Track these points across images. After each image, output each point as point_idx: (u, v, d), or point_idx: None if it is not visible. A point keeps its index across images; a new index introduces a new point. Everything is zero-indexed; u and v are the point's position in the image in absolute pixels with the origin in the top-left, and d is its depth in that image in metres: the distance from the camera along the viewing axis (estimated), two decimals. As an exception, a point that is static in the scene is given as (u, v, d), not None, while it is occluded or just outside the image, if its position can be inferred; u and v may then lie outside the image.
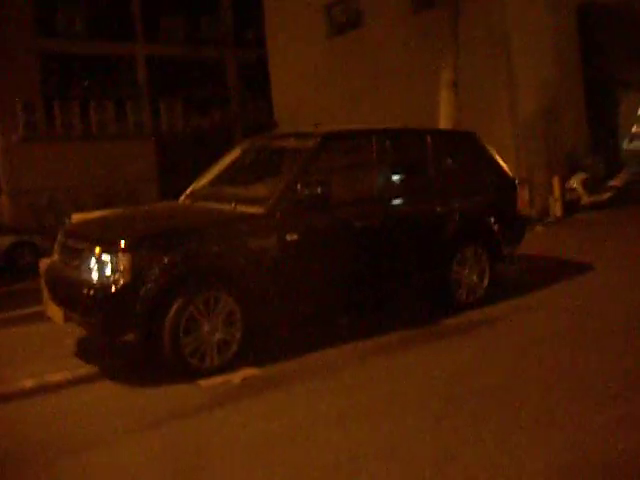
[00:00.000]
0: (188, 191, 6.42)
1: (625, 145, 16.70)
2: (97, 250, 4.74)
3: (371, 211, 5.81)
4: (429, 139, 6.49)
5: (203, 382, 4.76)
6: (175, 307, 4.70)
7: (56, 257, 5.58)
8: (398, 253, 6.01)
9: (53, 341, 5.88)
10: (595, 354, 4.96)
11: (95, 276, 4.72)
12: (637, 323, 5.72)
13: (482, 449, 3.48)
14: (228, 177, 6.36)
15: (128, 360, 5.26)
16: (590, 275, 7.73)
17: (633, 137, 16.75)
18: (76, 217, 6.71)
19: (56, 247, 5.61)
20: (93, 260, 4.76)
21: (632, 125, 17.24)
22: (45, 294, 5.65)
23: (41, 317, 6.90)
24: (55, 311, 5.18)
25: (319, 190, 5.29)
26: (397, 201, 6.04)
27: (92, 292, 4.68)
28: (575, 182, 14.66)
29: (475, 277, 6.60)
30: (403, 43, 16.11)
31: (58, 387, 4.85)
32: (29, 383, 4.82)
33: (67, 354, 5.44)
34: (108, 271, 4.66)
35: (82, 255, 4.88)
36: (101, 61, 21.49)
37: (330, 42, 18.82)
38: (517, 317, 6.21)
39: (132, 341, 4.74)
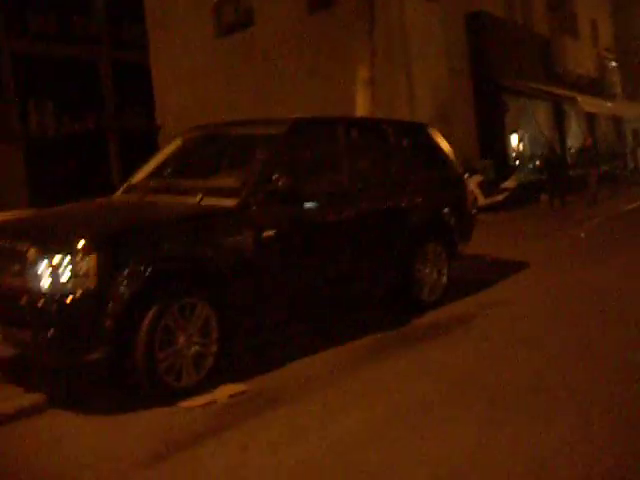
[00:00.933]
0: (125, 186, 5.58)
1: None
2: (49, 252, 3.85)
3: (343, 204, 5.33)
4: (390, 130, 6.13)
5: (184, 403, 4.02)
6: (149, 317, 3.93)
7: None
8: (369, 249, 5.58)
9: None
10: (587, 330, 5.02)
11: (46, 283, 3.83)
12: (598, 303, 6.06)
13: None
14: (176, 169, 5.60)
15: (80, 383, 4.35)
16: (521, 270, 7.84)
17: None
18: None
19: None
20: (43, 264, 3.86)
21: (517, 130, 18.12)
22: None
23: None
24: None
25: (294, 181, 4.73)
26: (366, 194, 5.61)
27: (45, 303, 3.78)
28: (472, 184, 15.05)
29: (435, 275, 6.32)
30: (297, 44, 15.81)
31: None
32: (-41, 421, 3.82)
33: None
34: (65, 277, 3.79)
35: (25, 259, 3.95)
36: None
37: (219, 42, 18.09)
38: (489, 313, 5.99)
39: (97, 361, 3.87)
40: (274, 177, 4.65)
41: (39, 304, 3.81)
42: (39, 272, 3.86)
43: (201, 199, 4.60)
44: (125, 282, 3.85)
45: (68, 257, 3.79)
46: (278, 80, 16.17)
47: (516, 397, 3.89)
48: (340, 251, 5.29)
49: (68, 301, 3.76)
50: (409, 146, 6.28)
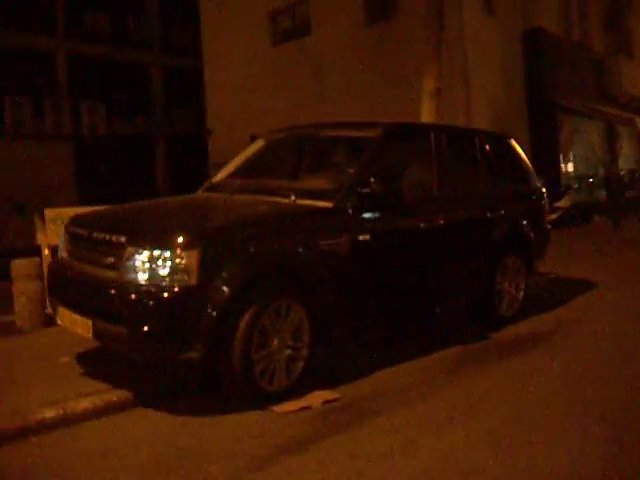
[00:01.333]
0: (206, 185, 5.51)
1: None
2: (149, 246, 3.76)
3: (433, 212, 5.17)
4: (477, 140, 5.98)
5: (277, 408, 3.89)
6: (247, 317, 3.81)
7: (65, 255, 4.51)
8: (458, 260, 5.42)
9: (47, 358, 4.76)
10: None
11: (144, 278, 3.74)
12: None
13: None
14: (260, 170, 5.51)
15: (167, 383, 4.25)
16: (591, 289, 7.66)
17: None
18: (54, 212, 5.67)
19: (65, 242, 4.54)
20: (141, 258, 3.77)
21: (570, 149, 17.77)
22: (53, 300, 4.52)
23: (10, 328, 5.76)
24: (78, 322, 4.07)
25: (392, 186, 4.61)
26: (454, 203, 5.46)
27: (143, 298, 3.69)
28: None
29: (513, 290, 6.13)
30: (353, 54, 15.76)
31: (86, 417, 3.79)
32: (49, 413, 3.72)
33: (79, 375, 4.36)
34: (165, 272, 3.69)
35: (122, 252, 3.87)
36: (18, 54, 19.54)
37: (273, 50, 18.16)
38: (569, 330, 5.78)
39: (192, 360, 3.75)
40: (371, 180, 4.52)
41: (136, 299, 3.71)
42: (137, 266, 3.77)
43: (295, 200, 4.49)
44: (225, 280, 3.73)
45: (169, 252, 3.69)
46: (333, 90, 16.14)
47: (624, 413, 3.70)
48: (429, 260, 5.14)
49: (167, 296, 3.65)
50: (494, 157, 6.11)
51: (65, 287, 4.35)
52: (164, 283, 3.68)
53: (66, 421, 3.73)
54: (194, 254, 3.68)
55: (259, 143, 5.84)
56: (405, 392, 4.20)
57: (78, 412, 3.80)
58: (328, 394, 4.11)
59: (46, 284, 4.81)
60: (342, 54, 15.98)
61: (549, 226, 6.92)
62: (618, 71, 19.43)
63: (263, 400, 3.94)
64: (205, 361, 3.75)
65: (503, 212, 5.97)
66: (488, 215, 5.79)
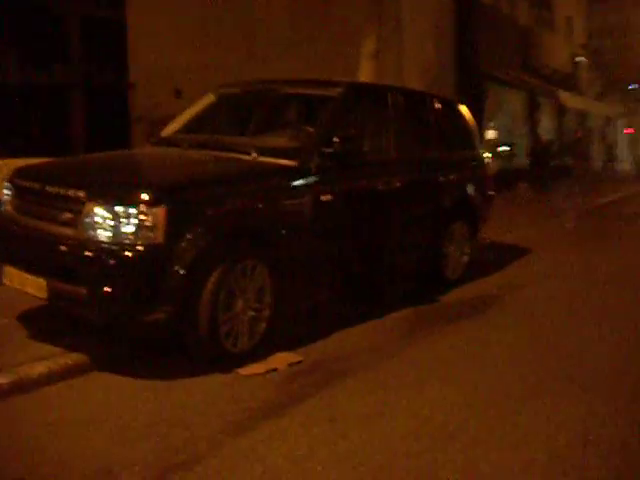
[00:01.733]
0: (155, 139, 5.24)
1: None
2: (111, 202, 3.54)
3: (390, 174, 5.15)
4: (431, 103, 5.98)
5: (242, 371, 3.81)
6: (214, 277, 3.68)
7: (10, 208, 4.18)
8: (411, 222, 5.45)
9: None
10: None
11: (106, 236, 3.52)
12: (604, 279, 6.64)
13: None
14: (213, 125, 5.30)
15: (121, 346, 4.05)
16: (526, 253, 7.98)
17: None
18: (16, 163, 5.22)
19: (10, 196, 4.20)
20: (103, 214, 3.55)
21: (494, 118, 18.23)
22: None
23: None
24: (29, 282, 3.78)
25: (354, 146, 4.54)
26: (409, 166, 5.46)
27: (104, 257, 3.48)
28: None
29: (458, 254, 6.26)
30: (285, 10, 15.39)
31: (41, 382, 3.56)
32: (2, 379, 3.47)
33: (25, 338, 4.07)
34: (129, 229, 3.49)
35: (81, 208, 3.62)
36: None
37: (202, 2, 17.43)
38: (512, 292, 5.98)
39: (157, 321, 3.58)
40: (335, 140, 4.43)
41: (98, 257, 3.50)
42: (98, 223, 3.54)
43: (255, 157, 4.34)
44: (192, 238, 3.57)
45: (134, 208, 3.47)
46: (264, 48, 15.73)
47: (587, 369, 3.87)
48: (386, 222, 5.14)
49: (132, 255, 3.46)
50: (445, 121, 6.14)
51: (12, 244, 4.04)
52: (128, 241, 3.48)
53: (21, 388, 3.47)
54: (161, 211, 3.49)
55: (209, 97, 5.59)
56: (367, 353, 4.21)
57: (34, 377, 3.55)
58: (291, 356, 4.06)
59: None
60: (274, 11, 15.57)
61: (492, 192, 7.07)
62: (541, 44, 20.00)
63: (227, 362, 3.84)
64: (170, 323, 3.59)
65: (453, 177, 6.04)
66: (440, 179, 5.84)
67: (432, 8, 15.56)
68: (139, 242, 3.47)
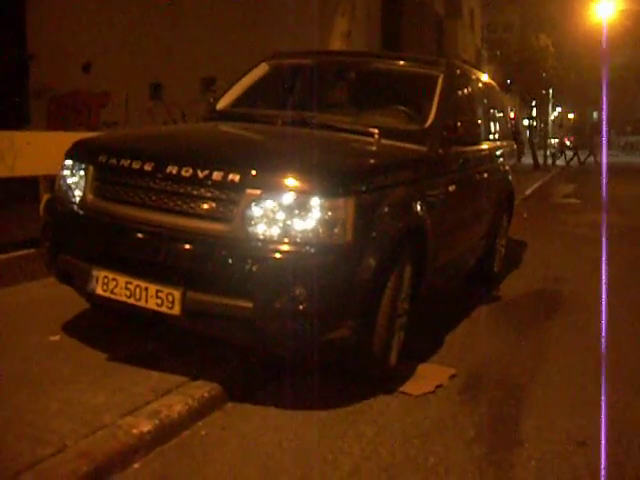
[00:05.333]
0: (208, 112, 4.44)
1: None
2: (287, 189, 2.82)
3: (483, 163, 4.77)
4: (495, 89, 5.65)
5: (409, 390, 3.26)
6: (392, 282, 3.10)
7: (92, 197, 3.26)
8: (486, 214, 5.10)
9: (27, 334, 3.50)
10: None
11: (279, 233, 2.80)
12: None
13: None
14: (278, 99, 4.61)
15: (242, 367, 3.29)
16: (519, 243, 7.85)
17: None
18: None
19: (89, 179, 3.28)
20: (274, 204, 2.81)
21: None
22: (76, 261, 3.23)
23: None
24: (150, 294, 2.89)
25: (473, 129, 4.10)
26: (491, 154, 5.11)
27: (288, 259, 2.77)
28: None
29: (502, 246, 6.00)
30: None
31: (184, 424, 2.78)
32: (145, 426, 2.63)
33: (105, 362, 3.21)
34: (310, 224, 2.79)
35: (238, 196, 2.85)
36: None
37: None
38: (554, 285, 5.82)
39: (344, 339, 2.89)
40: (458, 125, 3.95)
41: (271, 262, 2.77)
42: (266, 217, 2.81)
43: (378, 139, 3.72)
44: (376, 236, 2.96)
45: (315, 199, 2.80)
46: (191, 25, 14.63)
47: None
48: (477, 213, 4.75)
49: (316, 257, 2.78)
50: (498, 110, 5.83)
51: (107, 241, 3.15)
52: (309, 240, 2.79)
53: (164, 434, 2.70)
54: (350, 203, 2.84)
55: (263, 68, 4.84)
56: (510, 357, 3.82)
57: (175, 419, 2.78)
58: (443, 369, 3.56)
59: (50, 237, 3.47)
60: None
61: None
62: (454, 33, 20.38)
63: (384, 380, 3.27)
64: (354, 340, 2.95)
65: (506, 167, 5.77)
66: (501, 169, 5.53)
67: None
68: (323, 241, 2.80)
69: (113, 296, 3.04)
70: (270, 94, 4.68)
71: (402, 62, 4.60)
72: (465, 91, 4.65)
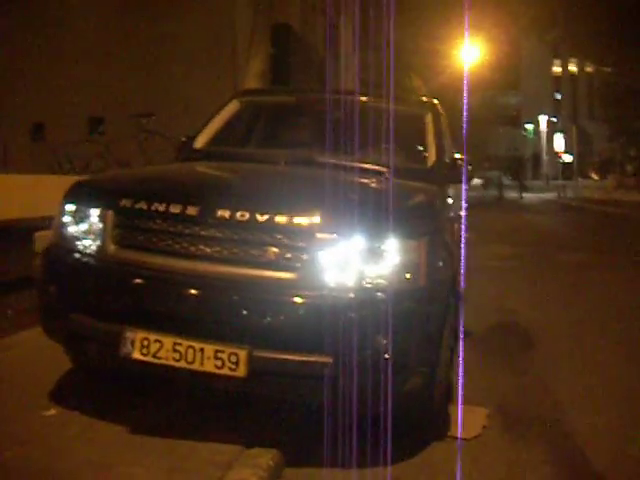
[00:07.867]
0: (186, 152, 4.15)
1: None
2: (361, 233, 2.66)
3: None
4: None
5: (456, 433, 3.16)
6: (449, 323, 3.02)
7: (113, 246, 2.90)
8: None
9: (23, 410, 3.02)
10: None
11: (354, 279, 2.64)
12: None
13: None
14: (257, 137, 4.45)
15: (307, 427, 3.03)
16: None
17: None
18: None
19: (107, 226, 2.91)
20: (347, 249, 2.65)
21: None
22: (100, 324, 2.80)
23: None
24: (206, 355, 2.55)
25: (469, 167, 4.18)
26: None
27: (368, 309, 2.60)
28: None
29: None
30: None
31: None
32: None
33: (136, 434, 2.83)
34: (385, 269, 2.65)
35: (307, 243, 2.66)
36: None
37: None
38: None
39: (416, 388, 2.73)
40: (457, 159, 4.02)
41: (345, 312, 2.58)
42: (338, 262, 2.64)
43: (387, 176, 3.63)
44: (440, 278, 2.88)
45: (393, 241, 2.67)
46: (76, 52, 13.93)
47: None
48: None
49: (397, 306, 2.63)
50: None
51: (143, 299, 2.80)
52: (390, 285, 2.66)
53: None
54: (422, 244, 2.75)
55: (234, 105, 4.61)
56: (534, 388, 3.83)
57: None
58: (476, 409, 3.51)
59: (55, 294, 3.01)
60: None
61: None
62: (334, 72, 20.94)
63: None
64: (428, 388, 2.82)
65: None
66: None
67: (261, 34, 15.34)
68: (400, 286, 2.68)
69: (156, 360, 2.69)
70: (251, 132, 4.48)
71: (386, 100, 4.59)
72: (444, 128, 4.74)
